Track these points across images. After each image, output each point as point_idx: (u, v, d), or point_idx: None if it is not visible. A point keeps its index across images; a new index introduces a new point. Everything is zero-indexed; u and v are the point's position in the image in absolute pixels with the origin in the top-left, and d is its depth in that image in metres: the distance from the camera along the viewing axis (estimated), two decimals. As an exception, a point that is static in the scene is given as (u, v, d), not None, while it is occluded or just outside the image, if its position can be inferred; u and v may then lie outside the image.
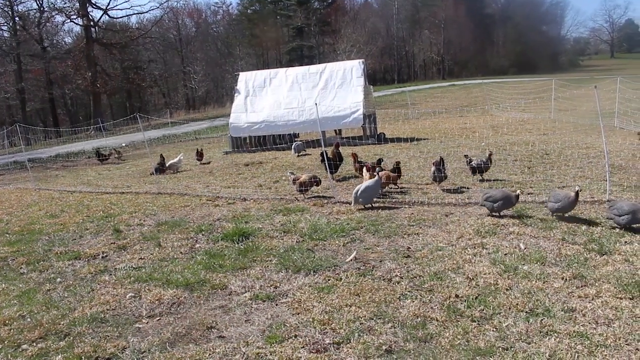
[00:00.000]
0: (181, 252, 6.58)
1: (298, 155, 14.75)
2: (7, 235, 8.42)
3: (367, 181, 8.14)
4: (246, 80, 18.47)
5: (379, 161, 9.77)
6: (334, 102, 16.63)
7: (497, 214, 6.95)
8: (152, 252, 6.68)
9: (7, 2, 42.65)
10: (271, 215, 7.97)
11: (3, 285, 5.98)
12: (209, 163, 15.44)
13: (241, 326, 4.43)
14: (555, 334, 3.85)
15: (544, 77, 33.81)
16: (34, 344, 4.44)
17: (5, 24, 44.48)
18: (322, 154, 10.71)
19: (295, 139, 17.61)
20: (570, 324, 3.99)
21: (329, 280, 5.22)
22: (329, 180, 9.51)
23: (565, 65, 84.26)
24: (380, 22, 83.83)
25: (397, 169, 9.06)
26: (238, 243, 6.70)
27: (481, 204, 7.08)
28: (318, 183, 9.09)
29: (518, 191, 6.93)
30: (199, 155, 15.67)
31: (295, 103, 17.17)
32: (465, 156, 9.76)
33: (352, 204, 8.04)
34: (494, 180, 9.18)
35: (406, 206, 7.95)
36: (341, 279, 5.22)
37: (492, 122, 19.48)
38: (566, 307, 4.25)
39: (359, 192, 7.87)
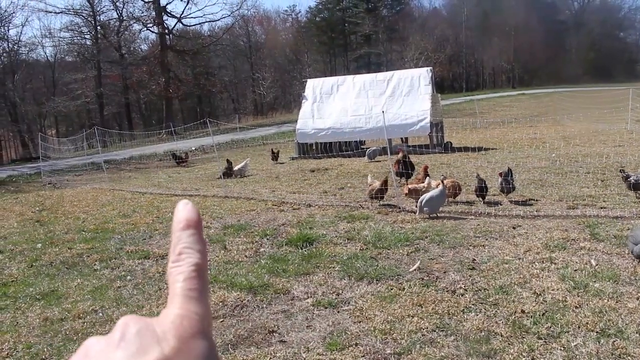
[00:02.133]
0: (246, 256, 6.71)
1: (370, 161, 14.79)
2: (84, 232, 8.82)
3: (433, 190, 8.04)
4: (314, 86, 18.63)
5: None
6: (401, 110, 16.54)
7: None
8: (218, 255, 6.84)
9: (91, 13, 44.82)
10: (335, 222, 8.01)
11: (78, 280, 6.28)
12: (283, 163, 15.93)
13: (302, 332, 4.48)
14: (629, 357, 3.68)
15: (621, 86, 32.37)
16: (106, 338, 4.63)
17: (89, 32, 46.73)
18: (397, 162, 10.70)
19: (362, 147, 17.65)
20: (644, 346, 3.82)
21: (391, 289, 5.20)
22: (395, 189, 9.46)
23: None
24: (449, 29, 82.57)
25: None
26: (302, 248, 6.76)
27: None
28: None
29: None
30: (274, 155, 16.21)
31: (362, 110, 17.18)
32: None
33: (417, 213, 7.96)
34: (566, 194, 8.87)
35: (472, 217, 7.81)
36: (404, 288, 5.18)
37: (563, 133, 18.84)
38: (640, 329, 4.06)
39: (424, 201, 7.79)
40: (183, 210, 0.46)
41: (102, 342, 0.41)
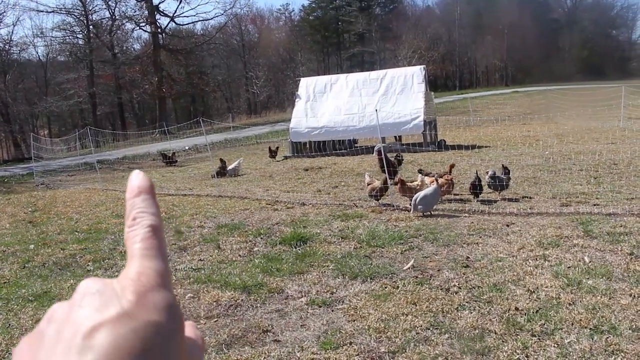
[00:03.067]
0: (240, 255, 6.70)
1: (378, 157, 14.90)
2: (76, 233, 8.78)
3: (427, 189, 8.03)
4: (307, 85, 18.63)
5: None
6: (395, 109, 16.55)
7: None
8: (212, 254, 6.82)
9: (83, 12, 44.65)
10: (329, 221, 8.00)
11: (71, 281, 6.25)
12: (280, 161, 16.25)
13: (296, 331, 4.47)
14: (622, 354, 3.69)
15: (613, 84, 32.50)
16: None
17: (81, 32, 46.57)
18: (379, 160, 10.71)
19: (356, 145, 17.71)
20: (638, 343, 3.82)
21: (385, 287, 5.20)
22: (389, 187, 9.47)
23: (636, 71, 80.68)
24: (442, 27, 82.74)
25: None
26: (296, 247, 6.75)
27: None
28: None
29: None
30: (273, 153, 16.35)
31: (355, 109, 17.19)
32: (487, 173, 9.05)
33: (411, 211, 7.97)
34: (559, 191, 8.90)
35: (466, 215, 7.82)
36: (398, 287, 5.18)
37: (556, 130, 18.90)
38: (634, 326, 4.06)
39: (418, 199, 7.78)
40: (135, 179, 0.48)
41: (64, 306, 0.42)
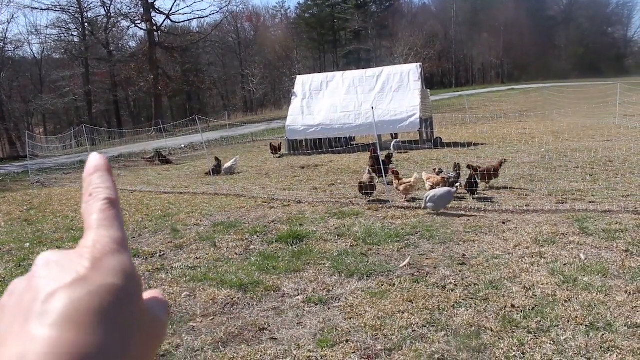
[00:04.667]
0: (236, 253, 6.69)
1: (397, 152, 15.16)
2: (72, 231, 8.75)
3: (441, 188, 7.95)
4: (303, 83, 18.61)
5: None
6: (391, 106, 16.54)
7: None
8: (208, 252, 6.81)
9: (78, 10, 44.51)
10: (326, 219, 8.00)
11: (67, 280, 6.22)
12: (282, 157, 16.43)
13: (293, 329, 4.47)
14: (618, 350, 3.70)
15: (609, 81, 32.57)
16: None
17: (76, 29, 46.44)
18: (370, 158, 10.70)
19: (352, 143, 17.76)
20: (634, 340, 3.83)
21: (382, 285, 5.20)
22: (384, 185, 9.47)
23: (631, 68, 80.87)
24: (438, 25, 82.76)
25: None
26: (292, 245, 6.75)
27: None
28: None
29: None
30: (274, 149, 16.48)
31: (351, 106, 17.19)
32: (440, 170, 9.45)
33: (422, 207, 7.90)
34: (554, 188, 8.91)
35: (462, 212, 7.82)
36: (394, 284, 5.19)
37: (552, 128, 18.93)
38: (629, 323, 4.08)
39: (429, 197, 7.70)
40: (92, 160, 0.50)
41: (24, 279, 0.43)
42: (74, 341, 0.37)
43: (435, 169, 9.37)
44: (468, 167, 9.46)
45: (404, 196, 8.81)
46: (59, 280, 0.40)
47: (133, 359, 0.40)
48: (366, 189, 8.89)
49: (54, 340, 0.37)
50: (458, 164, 9.62)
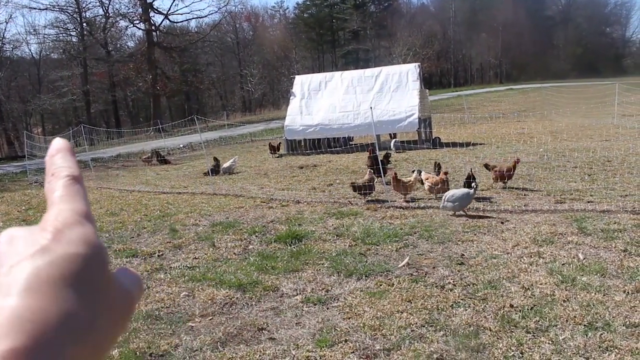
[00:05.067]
0: (235, 253, 6.69)
1: (397, 152, 15.27)
2: (70, 232, 8.73)
3: (460, 189, 7.79)
4: (302, 83, 18.61)
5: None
6: (389, 106, 16.55)
7: None
8: (207, 252, 6.81)
9: (76, 9, 44.45)
10: (324, 219, 8.00)
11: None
12: (281, 157, 16.45)
13: (292, 329, 4.47)
14: (616, 350, 3.71)
15: (607, 81, 32.61)
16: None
17: (74, 29, 46.37)
18: (369, 157, 10.72)
19: (351, 143, 17.76)
20: (632, 340, 3.83)
21: (380, 285, 5.20)
22: (383, 185, 9.47)
23: (630, 68, 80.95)
24: (437, 25, 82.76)
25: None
26: (291, 245, 6.75)
27: None
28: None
29: None
30: (273, 149, 16.52)
31: (350, 106, 17.19)
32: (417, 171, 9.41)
33: (440, 207, 7.75)
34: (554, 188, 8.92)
35: (461, 212, 7.82)
36: (393, 284, 5.19)
37: (551, 128, 18.93)
38: (628, 322, 4.08)
39: (448, 197, 7.52)
40: (55, 144, 0.50)
41: None
42: (37, 309, 0.38)
43: (413, 170, 9.40)
44: (485, 166, 9.46)
45: (403, 196, 8.80)
46: (21, 254, 0.41)
47: (99, 330, 0.41)
48: (364, 189, 8.89)
49: (17, 309, 0.37)
50: (438, 163, 9.69)
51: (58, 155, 0.49)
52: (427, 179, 8.84)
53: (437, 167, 9.74)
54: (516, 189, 9.14)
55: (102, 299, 0.42)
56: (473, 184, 7.74)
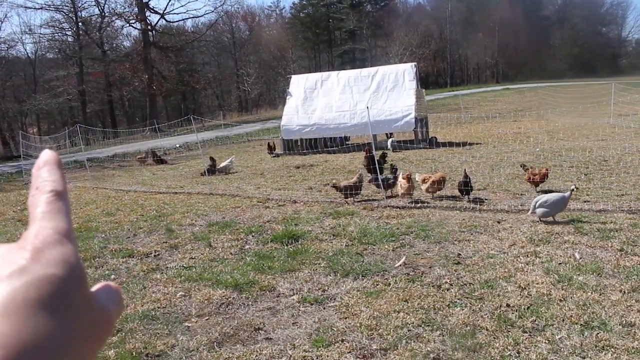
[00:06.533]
0: (231, 253, 6.67)
1: (394, 151, 15.28)
2: (66, 232, 8.70)
3: (554, 193, 7.01)
4: (298, 83, 18.61)
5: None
6: (386, 106, 16.56)
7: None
8: (203, 252, 6.79)
9: (72, 9, 44.34)
10: (321, 218, 7.99)
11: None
12: (278, 156, 16.44)
13: (288, 329, 4.46)
14: (612, 349, 3.71)
15: (603, 81, 32.68)
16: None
17: (70, 29, 46.26)
18: (365, 157, 10.72)
19: (347, 142, 17.76)
20: (628, 339, 3.84)
21: (377, 285, 5.19)
22: (381, 184, 9.47)
23: (626, 68, 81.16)
24: (434, 24, 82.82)
25: None
26: (287, 245, 6.74)
27: None
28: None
29: None
30: (271, 148, 16.74)
31: (346, 106, 17.19)
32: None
33: (529, 212, 7.11)
34: (547, 188, 8.93)
35: (457, 211, 7.83)
36: (390, 284, 5.18)
37: (547, 127, 18.98)
38: (624, 322, 4.08)
39: (540, 202, 6.85)
40: (43, 157, 0.50)
41: None
42: (10, 332, 0.37)
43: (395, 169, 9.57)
44: (522, 166, 9.40)
45: (409, 196, 8.70)
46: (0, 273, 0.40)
47: (74, 351, 0.40)
48: (350, 189, 8.90)
49: None
50: (395, 166, 9.68)
51: (44, 169, 0.49)
52: (424, 179, 8.81)
53: (394, 170, 9.69)
54: (512, 188, 9.15)
55: (79, 320, 0.41)
56: (572, 187, 7.00)
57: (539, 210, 6.85)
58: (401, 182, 8.71)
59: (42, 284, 0.40)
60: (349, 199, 8.97)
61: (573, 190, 6.95)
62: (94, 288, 0.47)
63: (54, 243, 0.42)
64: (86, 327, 0.42)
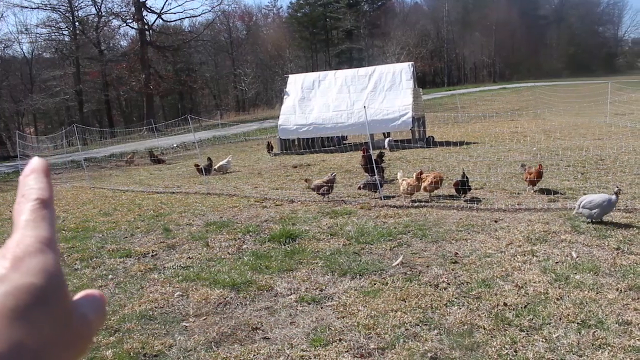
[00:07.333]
0: (228, 253, 6.67)
1: (391, 151, 15.31)
2: (64, 232, 8.71)
3: (600, 195, 6.65)
4: (295, 82, 18.60)
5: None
6: (383, 105, 16.57)
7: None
8: (200, 252, 6.79)
9: (69, 8, 44.22)
10: (318, 218, 7.99)
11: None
12: (276, 155, 16.51)
13: (286, 328, 4.46)
14: (609, 348, 3.72)
15: (600, 80, 32.75)
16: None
17: (67, 28, 46.12)
18: (362, 157, 10.72)
19: (345, 142, 17.76)
20: (625, 337, 3.85)
21: (374, 284, 5.20)
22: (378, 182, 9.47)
23: (622, 67, 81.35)
24: (431, 24, 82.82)
25: None
26: (285, 245, 6.74)
27: None
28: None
29: None
30: (270, 147, 17.07)
31: (343, 105, 17.20)
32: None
33: (573, 212, 6.89)
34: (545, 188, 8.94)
35: (454, 211, 7.84)
36: (387, 283, 5.19)
37: (544, 127, 19.00)
38: (621, 320, 4.10)
39: (584, 202, 6.58)
40: (31, 164, 0.50)
41: None
42: None
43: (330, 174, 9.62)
44: (522, 165, 9.39)
45: (408, 196, 8.68)
46: None
47: (53, 358, 0.40)
48: (320, 189, 9.16)
49: None
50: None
51: (31, 176, 0.49)
52: (424, 178, 8.79)
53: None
54: (509, 187, 9.16)
55: (57, 330, 0.41)
56: (616, 189, 6.64)
57: (584, 211, 6.60)
58: (408, 180, 8.62)
59: (20, 293, 0.40)
60: (320, 197, 9.24)
61: (617, 192, 6.59)
62: (76, 296, 0.47)
63: (35, 252, 0.43)
64: (65, 336, 0.42)
